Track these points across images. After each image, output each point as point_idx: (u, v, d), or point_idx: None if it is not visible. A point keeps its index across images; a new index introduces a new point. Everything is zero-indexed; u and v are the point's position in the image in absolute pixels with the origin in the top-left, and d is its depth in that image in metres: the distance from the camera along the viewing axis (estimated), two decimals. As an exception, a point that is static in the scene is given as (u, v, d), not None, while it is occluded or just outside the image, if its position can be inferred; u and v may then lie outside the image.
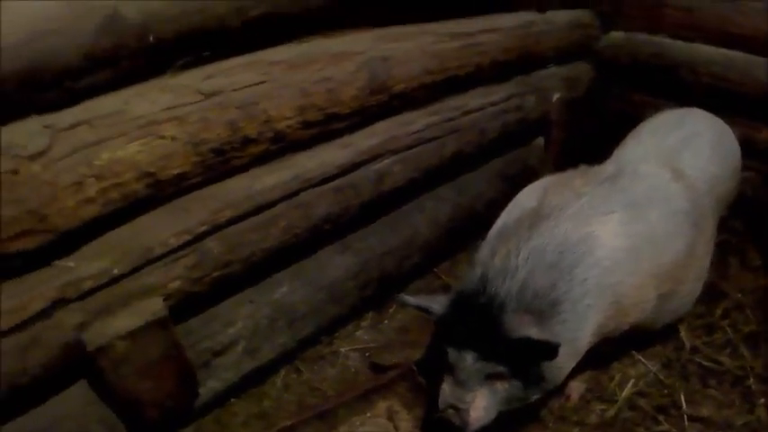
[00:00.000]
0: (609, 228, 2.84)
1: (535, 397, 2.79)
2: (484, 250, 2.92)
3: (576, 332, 2.73)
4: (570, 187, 3.03)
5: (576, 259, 2.74)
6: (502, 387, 2.70)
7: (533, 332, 2.56)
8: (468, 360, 2.67)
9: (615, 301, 2.81)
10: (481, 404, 2.70)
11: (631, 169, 3.16)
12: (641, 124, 3.71)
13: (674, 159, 3.30)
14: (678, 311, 3.28)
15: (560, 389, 3.11)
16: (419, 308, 2.90)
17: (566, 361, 2.74)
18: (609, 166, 3.28)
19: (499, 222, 3.10)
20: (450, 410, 2.71)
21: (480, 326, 2.64)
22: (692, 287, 3.22)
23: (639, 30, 4.55)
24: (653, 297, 2.96)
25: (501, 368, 2.64)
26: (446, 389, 2.74)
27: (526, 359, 2.61)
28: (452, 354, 2.71)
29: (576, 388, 3.23)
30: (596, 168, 3.30)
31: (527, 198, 3.12)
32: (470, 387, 2.69)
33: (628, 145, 3.56)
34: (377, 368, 3.47)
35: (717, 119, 3.73)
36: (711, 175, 3.38)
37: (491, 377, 2.68)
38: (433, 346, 3.39)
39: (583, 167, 3.32)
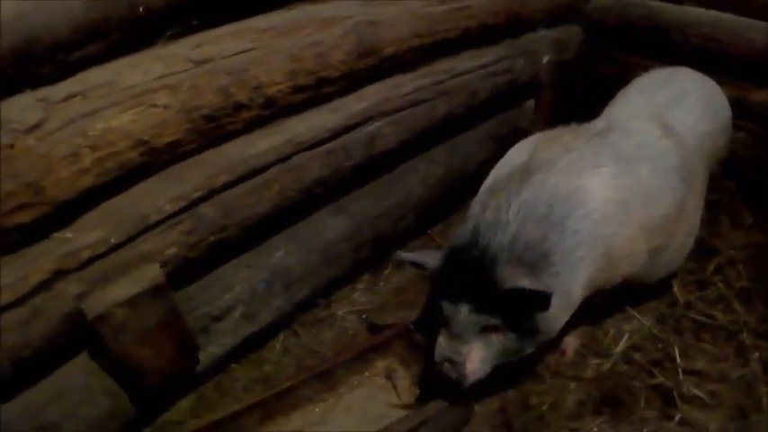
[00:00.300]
0: (599, 180, 2.84)
1: (530, 350, 2.82)
2: (475, 206, 2.94)
3: (569, 284, 2.75)
4: (560, 142, 3.03)
5: (566, 211, 2.74)
6: (497, 339, 2.73)
7: (525, 282, 2.57)
8: (462, 313, 2.69)
9: (606, 252, 2.83)
10: (477, 357, 2.73)
11: (621, 126, 3.17)
12: (630, 83, 3.70)
13: (664, 116, 3.30)
14: (670, 266, 3.30)
15: (556, 343, 3.16)
16: (414, 263, 2.95)
17: (559, 313, 2.78)
18: (599, 123, 3.29)
19: (490, 179, 3.10)
20: (447, 364, 2.74)
21: (473, 279, 2.66)
22: (682, 242, 3.25)
23: (629, -8, 4.55)
24: (643, 250, 2.98)
25: (495, 320, 2.67)
26: (442, 342, 2.78)
27: (520, 310, 2.65)
28: (447, 307, 2.74)
29: (571, 343, 3.27)
30: (586, 125, 3.31)
31: (517, 154, 3.12)
32: (466, 340, 2.72)
33: (617, 103, 3.56)
34: (374, 328, 3.49)
35: (706, 77, 3.71)
36: (701, 132, 3.38)
37: (486, 329, 2.70)
38: (429, 303, 3.41)
39: (573, 125, 3.32)
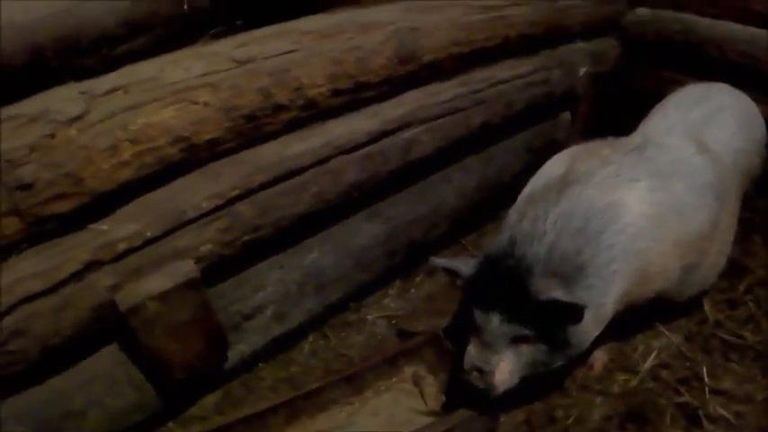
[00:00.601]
0: (636, 195, 2.83)
1: (559, 362, 2.80)
2: (512, 215, 2.93)
3: (602, 298, 2.73)
4: (598, 156, 3.01)
5: (602, 225, 2.73)
6: (527, 350, 2.72)
7: (560, 294, 2.56)
8: (494, 322, 2.68)
9: (640, 267, 2.81)
10: (506, 367, 2.71)
11: (657, 141, 3.14)
12: (667, 98, 3.68)
13: (699, 133, 3.27)
14: (702, 284, 3.27)
15: (584, 357, 3.14)
16: (448, 270, 2.94)
17: (591, 326, 2.75)
18: (635, 138, 3.25)
19: (527, 189, 3.10)
20: (475, 373, 2.73)
21: (507, 288, 2.65)
22: (715, 260, 3.21)
23: (666, 7, 4.51)
24: (677, 266, 2.95)
25: (527, 331, 2.65)
26: (472, 350, 2.76)
27: (552, 322, 2.63)
28: (479, 315, 2.73)
29: (600, 357, 3.25)
30: (623, 139, 3.27)
31: (555, 166, 3.12)
32: (496, 349, 2.71)
33: (653, 118, 3.53)
34: (403, 335, 3.49)
35: (742, 94, 3.68)
36: (735, 149, 3.35)
37: (517, 340, 2.69)
38: (460, 311, 3.42)
39: (610, 139, 3.29)
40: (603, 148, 3.10)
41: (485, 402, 2.79)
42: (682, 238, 2.92)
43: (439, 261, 2.99)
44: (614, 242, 2.73)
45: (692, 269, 3.05)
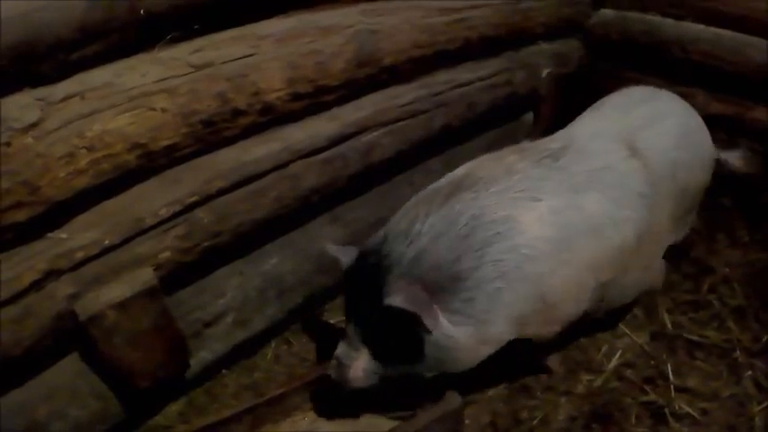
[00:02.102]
0: (533, 215, 2.71)
1: (431, 374, 2.78)
2: (398, 211, 2.85)
3: (486, 314, 2.65)
4: (503, 163, 2.89)
5: (488, 239, 2.63)
6: (384, 353, 2.72)
7: (398, 300, 2.49)
8: (353, 319, 2.72)
9: (540, 294, 2.73)
10: (361, 365, 2.73)
11: (579, 146, 3.00)
12: (604, 98, 3.58)
13: (633, 137, 3.10)
14: (622, 299, 3.26)
15: (539, 365, 3.22)
16: (335, 257, 2.91)
17: (472, 343, 2.70)
18: (554, 142, 3.08)
19: (428, 188, 2.97)
20: (334, 363, 2.77)
21: (368, 286, 2.65)
22: (639, 276, 3.18)
23: (630, 8, 4.56)
24: (591, 287, 2.89)
25: (378, 333, 2.67)
26: (341, 342, 2.78)
27: (400, 328, 2.59)
28: (347, 309, 2.79)
29: (555, 361, 3.26)
30: (540, 143, 3.13)
31: (463, 168, 3.00)
32: (356, 346, 2.72)
33: (584, 118, 3.41)
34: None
35: (689, 106, 3.54)
36: (674, 161, 3.16)
37: (370, 341, 2.71)
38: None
39: (526, 142, 3.19)
40: (511, 154, 2.96)
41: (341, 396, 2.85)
42: (596, 258, 2.84)
43: (330, 248, 2.97)
44: (502, 259, 2.64)
45: (611, 284, 2.99)
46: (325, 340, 3.50)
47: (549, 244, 2.69)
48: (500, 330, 2.73)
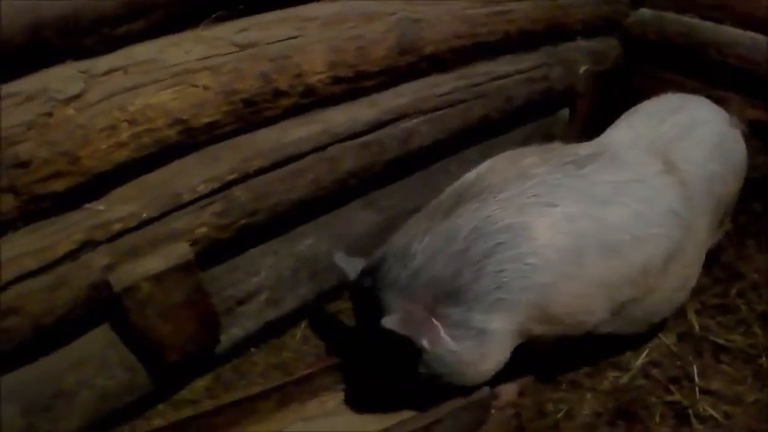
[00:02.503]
0: (546, 221, 2.57)
1: (448, 382, 2.71)
2: (401, 228, 2.80)
3: (486, 325, 2.55)
4: (518, 166, 2.76)
5: (488, 250, 2.52)
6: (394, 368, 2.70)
7: (393, 321, 2.46)
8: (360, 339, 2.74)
9: (541, 304, 2.59)
10: None
11: (610, 155, 2.84)
12: (638, 106, 3.41)
13: (668, 149, 2.95)
14: (650, 320, 3.07)
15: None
16: (341, 270, 2.92)
17: (475, 357, 2.61)
18: (584, 148, 2.93)
19: (432, 201, 2.88)
20: None
21: (369, 305, 2.64)
22: (668, 295, 2.97)
23: (669, 8, 4.50)
24: (602, 308, 2.73)
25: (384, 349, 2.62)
26: None
27: (399, 346, 2.53)
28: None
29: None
30: (567, 147, 2.98)
31: (475, 171, 2.89)
32: None
33: (618, 127, 3.22)
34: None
35: (721, 110, 3.35)
36: (711, 173, 3.01)
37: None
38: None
39: (556, 144, 3.07)
40: (530, 157, 2.82)
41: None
42: (609, 276, 2.67)
43: (338, 258, 2.95)
44: (503, 269, 2.52)
45: (633, 305, 2.82)
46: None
47: (558, 253, 2.56)
48: (502, 341, 2.64)
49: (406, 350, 2.53)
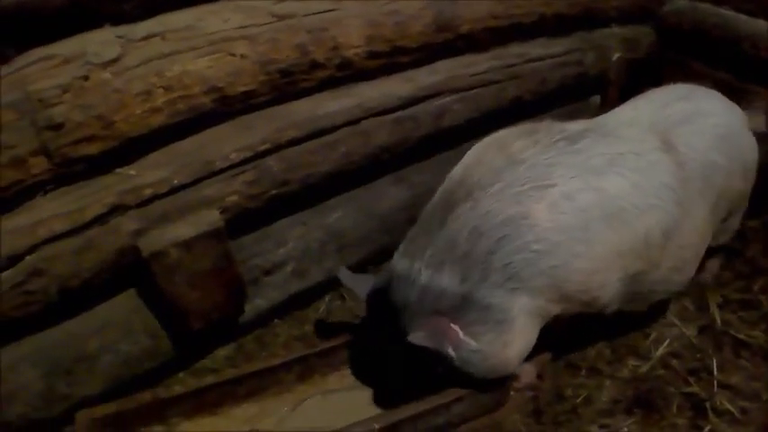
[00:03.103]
0: (544, 204, 2.46)
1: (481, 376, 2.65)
2: (404, 240, 2.74)
3: (503, 314, 2.49)
4: (507, 153, 2.62)
5: (493, 245, 2.43)
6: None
7: (419, 337, 2.43)
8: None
9: (555, 285, 2.51)
10: None
11: (606, 131, 2.73)
12: (646, 92, 3.19)
13: (669, 131, 2.80)
14: (650, 297, 2.94)
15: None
16: (350, 288, 2.91)
17: (498, 349, 2.55)
18: (575, 125, 2.78)
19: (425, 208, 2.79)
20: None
21: (389, 321, 2.61)
22: (666, 276, 2.83)
23: (704, -1, 4.44)
24: (614, 280, 2.62)
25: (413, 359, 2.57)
26: None
27: (426, 356, 2.52)
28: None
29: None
30: (556, 125, 2.80)
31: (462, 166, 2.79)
32: None
33: (619, 108, 3.08)
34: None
35: (737, 108, 3.17)
36: (711, 163, 2.84)
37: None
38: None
39: (546, 122, 2.83)
40: (518, 140, 2.67)
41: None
42: (619, 246, 2.57)
43: (344, 276, 2.89)
44: (510, 261, 2.44)
45: (640, 278, 2.73)
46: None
47: (564, 233, 2.46)
48: (523, 326, 2.56)
49: (434, 359, 2.50)
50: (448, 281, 2.46)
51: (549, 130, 2.70)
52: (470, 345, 2.48)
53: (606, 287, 2.61)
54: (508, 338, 2.52)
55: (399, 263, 2.61)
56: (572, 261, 2.48)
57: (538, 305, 2.52)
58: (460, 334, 2.47)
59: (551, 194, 2.45)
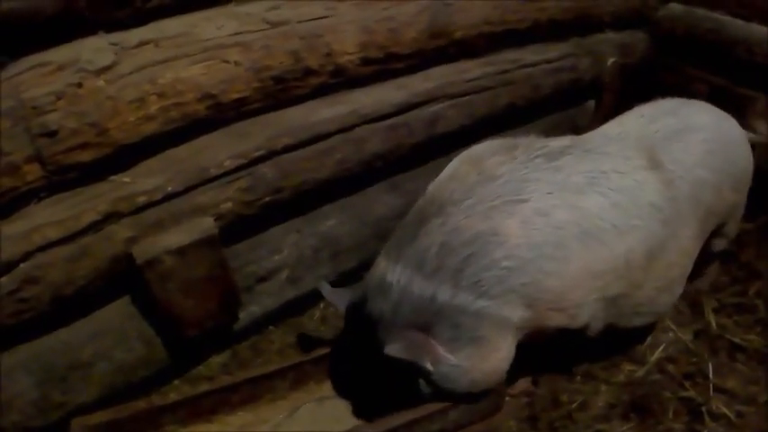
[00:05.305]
0: (516, 220, 2.43)
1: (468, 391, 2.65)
2: (378, 256, 2.72)
3: (474, 331, 2.47)
4: (480, 168, 2.60)
5: (461, 262, 2.41)
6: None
7: (396, 349, 2.41)
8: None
9: (526, 303, 2.48)
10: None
11: (589, 147, 2.69)
12: (634, 108, 3.14)
13: (655, 148, 2.76)
14: (641, 317, 2.90)
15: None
16: (330, 301, 2.89)
17: (476, 363, 2.54)
18: (559, 141, 2.75)
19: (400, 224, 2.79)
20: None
21: (365, 334, 2.59)
22: (653, 295, 2.79)
23: (699, 4, 4.44)
24: (592, 300, 2.58)
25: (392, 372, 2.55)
26: None
27: (403, 374, 2.54)
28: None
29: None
30: (537, 141, 2.77)
31: (437, 183, 2.76)
32: None
33: (606, 124, 3.03)
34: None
35: (729, 119, 3.11)
36: (699, 179, 2.80)
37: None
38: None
39: (528, 138, 2.82)
40: (496, 155, 2.65)
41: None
42: (595, 266, 2.53)
43: (325, 289, 2.87)
44: (479, 279, 2.41)
45: (623, 300, 2.70)
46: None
47: (535, 250, 2.42)
48: (498, 341, 2.53)
49: (411, 374, 2.52)
50: (419, 297, 2.45)
51: (529, 145, 2.69)
52: (449, 360, 2.47)
53: (583, 307, 2.57)
54: (484, 353, 2.51)
55: (374, 276, 2.62)
56: (543, 279, 2.45)
57: (510, 323, 2.50)
58: (440, 349, 2.46)
59: (523, 210, 2.44)
